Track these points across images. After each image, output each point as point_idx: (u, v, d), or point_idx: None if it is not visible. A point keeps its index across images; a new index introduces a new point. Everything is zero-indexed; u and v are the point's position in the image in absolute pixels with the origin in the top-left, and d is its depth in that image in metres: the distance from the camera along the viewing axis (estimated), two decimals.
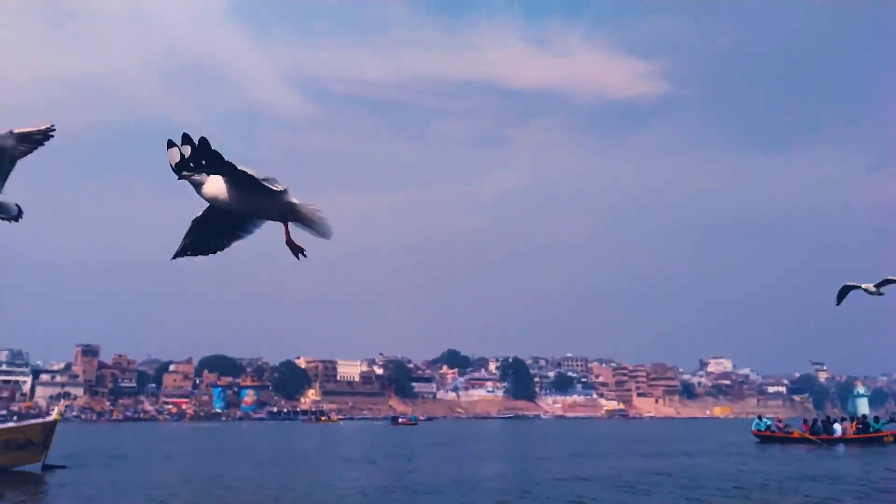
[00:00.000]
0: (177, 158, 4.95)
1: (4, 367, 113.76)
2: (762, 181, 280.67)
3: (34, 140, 6.80)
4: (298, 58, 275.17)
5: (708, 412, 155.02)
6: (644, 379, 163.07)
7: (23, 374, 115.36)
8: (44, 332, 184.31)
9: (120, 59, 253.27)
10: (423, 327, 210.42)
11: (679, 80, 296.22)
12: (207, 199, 5.45)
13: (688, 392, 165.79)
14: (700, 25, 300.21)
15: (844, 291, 13.30)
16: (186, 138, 4.82)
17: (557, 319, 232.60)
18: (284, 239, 5.39)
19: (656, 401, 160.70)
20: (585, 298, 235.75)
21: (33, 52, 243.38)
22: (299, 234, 5.18)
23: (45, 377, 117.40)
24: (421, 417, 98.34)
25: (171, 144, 4.94)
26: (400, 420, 78.88)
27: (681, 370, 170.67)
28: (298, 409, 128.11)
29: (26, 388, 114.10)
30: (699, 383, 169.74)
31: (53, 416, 16.12)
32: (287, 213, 5.29)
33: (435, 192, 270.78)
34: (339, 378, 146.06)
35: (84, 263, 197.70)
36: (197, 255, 6.00)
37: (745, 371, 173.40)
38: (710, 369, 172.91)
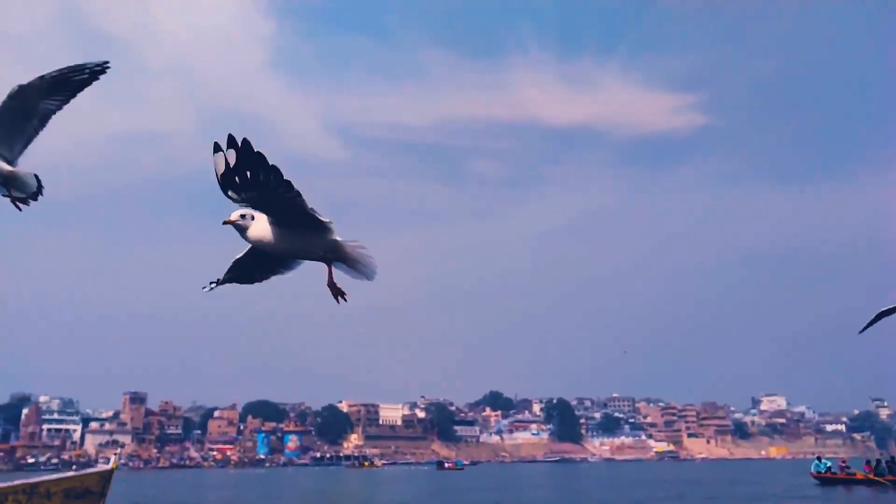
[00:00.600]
0: (222, 167, 4.85)
1: (56, 416, 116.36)
2: (813, 213, 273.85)
3: (75, 83, 5.54)
4: (336, 104, 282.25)
5: (763, 453, 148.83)
6: (694, 419, 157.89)
7: (73, 422, 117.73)
8: (94, 379, 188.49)
9: (165, 112, 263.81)
10: (464, 369, 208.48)
11: (715, 112, 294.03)
12: (252, 243, 5.50)
13: (740, 432, 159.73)
14: (736, 57, 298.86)
15: (878, 318, 12.62)
16: (231, 141, 4.66)
17: (602, 358, 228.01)
18: (327, 281, 5.42)
19: (708, 441, 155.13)
20: (629, 336, 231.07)
21: (83, 109, 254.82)
22: (340, 277, 5.21)
23: (94, 425, 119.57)
24: (465, 462, 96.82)
25: (217, 148, 4.80)
26: (446, 465, 77.67)
27: (732, 409, 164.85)
28: (341, 454, 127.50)
29: (76, 436, 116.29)
30: (752, 422, 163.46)
31: (111, 465, 16.35)
32: (332, 252, 5.30)
33: (473, 232, 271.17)
34: (381, 422, 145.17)
35: (133, 310, 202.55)
36: (234, 283, 6.08)
37: (801, 409, 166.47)
38: (763, 407, 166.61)
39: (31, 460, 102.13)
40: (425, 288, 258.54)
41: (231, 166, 4.64)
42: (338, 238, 5.25)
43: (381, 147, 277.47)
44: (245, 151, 4.69)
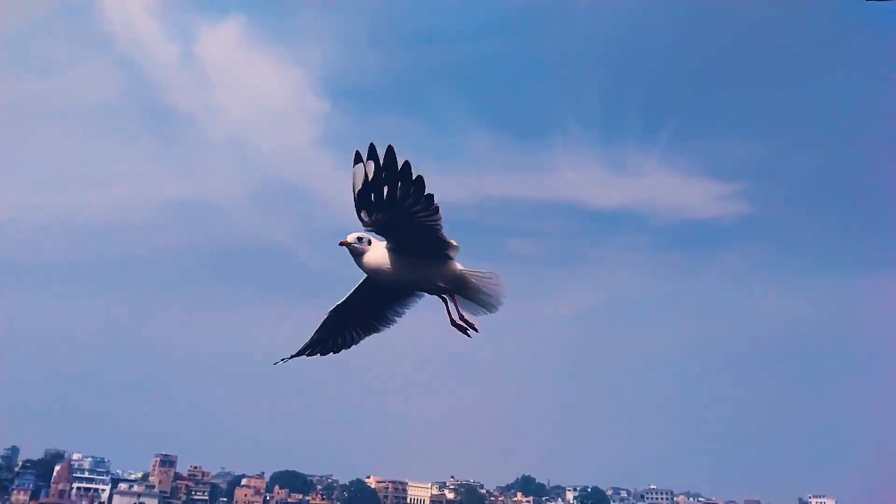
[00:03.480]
0: (360, 182, 4.60)
1: (87, 475, 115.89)
2: (858, 305, 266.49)
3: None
4: None
5: None
6: None
7: (103, 481, 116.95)
8: (126, 439, 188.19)
9: (219, 182, 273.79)
10: (496, 450, 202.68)
11: (759, 201, 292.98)
12: (367, 270, 5.27)
13: None
14: (781, 147, 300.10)
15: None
16: (372, 152, 4.40)
17: (639, 447, 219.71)
18: (450, 319, 5.18)
19: None
20: (669, 425, 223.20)
21: (146, 176, 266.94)
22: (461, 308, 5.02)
23: (123, 486, 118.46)
24: None
25: (357, 159, 4.61)
26: None
27: None
28: None
29: (105, 496, 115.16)
30: None
31: None
32: (453, 282, 5.07)
33: (511, 311, 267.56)
34: (408, 500, 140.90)
35: (170, 373, 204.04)
36: (316, 354, 5.67)
37: None
38: None
39: None
40: (458, 365, 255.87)
41: (370, 180, 4.56)
42: (461, 267, 5.11)
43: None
44: (388, 161, 4.55)
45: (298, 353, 5.76)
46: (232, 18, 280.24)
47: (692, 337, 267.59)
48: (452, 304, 5.05)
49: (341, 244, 4.99)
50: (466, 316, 4.99)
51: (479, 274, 5.11)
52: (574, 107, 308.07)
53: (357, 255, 5.06)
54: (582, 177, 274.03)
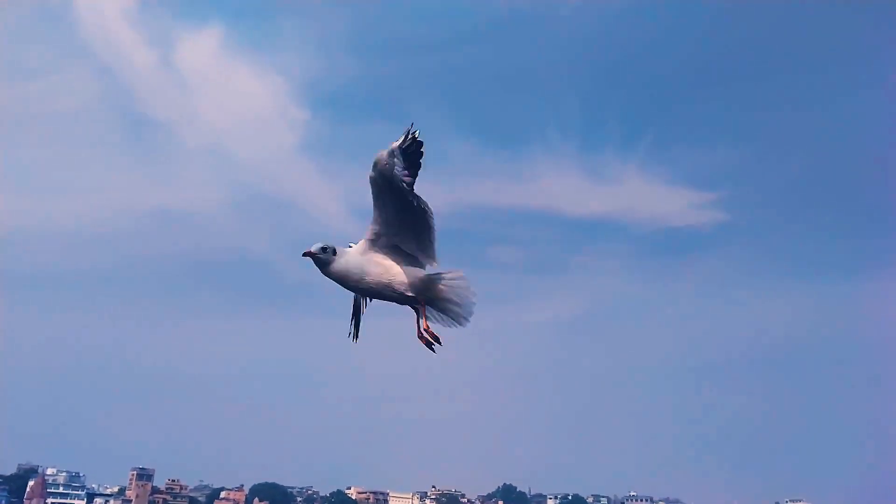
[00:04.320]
0: (385, 158, 4.85)
1: (62, 490, 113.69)
2: (836, 310, 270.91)
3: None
4: (361, 189, 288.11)
5: None
6: None
7: (78, 496, 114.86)
8: (101, 452, 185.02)
9: (199, 192, 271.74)
10: (477, 459, 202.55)
11: (735, 209, 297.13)
12: (334, 279, 5.24)
13: None
14: (757, 156, 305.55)
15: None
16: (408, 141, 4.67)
17: (619, 454, 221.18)
18: (417, 331, 5.14)
19: None
20: (648, 431, 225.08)
21: (123, 185, 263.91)
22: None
23: (98, 501, 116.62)
24: None
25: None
26: None
27: None
28: None
29: None
30: None
31: None
32: (423, 291, 5.06)
33: (491, 319, 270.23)
34: None
35: (147, 384, 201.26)
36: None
37: None
38: None
39: None
40: (437, 374, 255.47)
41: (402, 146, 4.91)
42: (431, 273, 5.11)
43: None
44: (414, 141, 4.93)
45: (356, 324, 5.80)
46: (211, 26, 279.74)
47: (671, 344, 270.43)
48: (421, 316, 5.07)
49: (305, 255, 5.08)
50: (434, 329, 5.21)
51: (446, 276, 5.23)
52: (554, 115, 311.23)
53: (322, 265, 5.11)
54: (562, 185, 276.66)
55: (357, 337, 6.05)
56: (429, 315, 5.28)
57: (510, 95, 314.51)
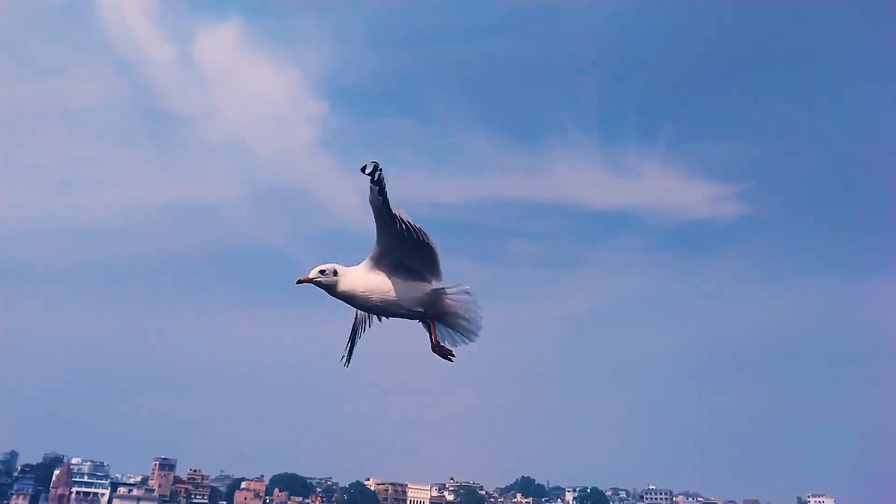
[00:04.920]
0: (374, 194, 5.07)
1: (86, 479, 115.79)
2: (857, 306, 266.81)
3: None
4: None
5: None
6: None
7: (102, 485, 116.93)
8: (125, 442, 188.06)
9: (218, 186, 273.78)
10: (495, 452, 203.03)
11: (757, 202, 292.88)
12: (343, 298, 5.17)
13: None
14: (779, 149, 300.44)
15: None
16: (374, 170, 4.73)
17: (639, 448, 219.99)
18: (431, 344, 5.13)
19: None
20: (668, 425, 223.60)
21: (143, 180, 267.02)
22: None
23: (122, 490, 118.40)
24: None
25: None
26: None
27: None
28: None
29: (104, 500, 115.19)
30: None
31: None
32: (431, 306, 5.04)
33: (509, 312, 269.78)
34: (408, 502, 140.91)
35: (169, 374, 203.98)
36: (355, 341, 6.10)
37: None
38: None
39: None
40: (455, 366, 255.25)
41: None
42: (439, 287, 5.12)
43: (423, 224, 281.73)
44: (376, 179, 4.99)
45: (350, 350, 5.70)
46: (230, 21, 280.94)
47: (690, 337, 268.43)
48: (432, 331, 5.05)
49: (300, 282, 4.98)
50: (446, 345, 5.10)
51: (451, 290, 5.01)
52: (572, 108, 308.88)
53: (327, 287, 5.01)
54: (580, 178, 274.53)
55: (349, 362, 5.96)
56: (438, 332, 5.17)
57: (529, 88, 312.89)
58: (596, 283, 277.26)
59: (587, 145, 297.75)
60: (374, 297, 5.02)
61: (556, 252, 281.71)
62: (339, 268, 5.08)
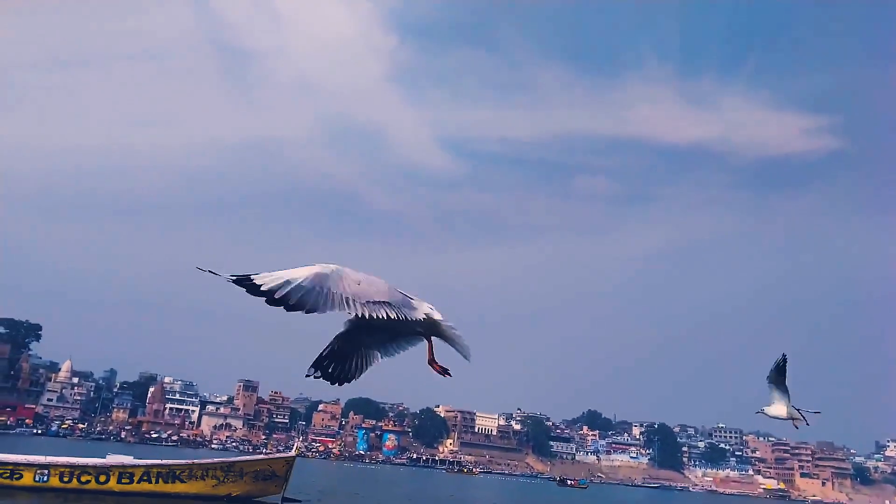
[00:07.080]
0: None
1: (178, 396, 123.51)
2: None
3: None
4: (449, 118, 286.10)
5: (887, 502, 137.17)
6: (808, 458, 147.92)
7: (193, 403, 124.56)
8: (212, 366, 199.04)
9: (290, 123, 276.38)
10: (563, 386, 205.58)
11: (849, 136, 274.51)
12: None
13: (861, 477, 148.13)
14: (873, 79, 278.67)
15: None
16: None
17: (708, 386, 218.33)
18: (427, 358, 5.25)
19: (823, 483, 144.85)
20: (737, 365, 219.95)
21: (215, 116, 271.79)
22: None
23: (210, 408, 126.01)
24: (558, 477, 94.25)
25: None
26: (569, 482, 76.24)
27: (852, 451, 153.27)
28: (436, 458, 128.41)
29: (194, 416, 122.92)
30: (875, 468, 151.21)
31: (294, 452, 16.99)
32: (430, 329, 5.15)
33: (579, 249, 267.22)
34: (476, 430, 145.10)
35: (250, 307, 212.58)
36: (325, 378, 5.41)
37: None
38: (889, 453, 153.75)
39: (154, 435, 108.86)
40: (528, 302, 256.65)
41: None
42: (437, 317, 5.04)
43: (491, 160, 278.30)
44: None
45: (308, 374, 5.34)
46: None
47: (772, 279, 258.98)
48: (428, 349, 5.21)
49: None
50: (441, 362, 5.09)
51: (449, 325, 5.01)
52: (650, 37, 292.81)
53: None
54: (657, 111, 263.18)
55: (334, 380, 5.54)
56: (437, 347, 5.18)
57: (602, 17, 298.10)
58: (671, 221, 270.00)
59: (665, 76, 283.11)
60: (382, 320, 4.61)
61: (628, 189, 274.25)
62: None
